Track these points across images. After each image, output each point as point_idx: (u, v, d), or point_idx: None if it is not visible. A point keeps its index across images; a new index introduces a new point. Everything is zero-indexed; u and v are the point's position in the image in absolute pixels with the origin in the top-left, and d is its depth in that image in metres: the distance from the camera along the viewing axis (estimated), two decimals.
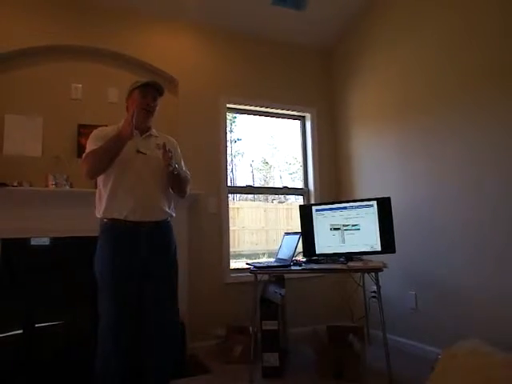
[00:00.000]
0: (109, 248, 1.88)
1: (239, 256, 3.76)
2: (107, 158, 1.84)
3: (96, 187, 2.01)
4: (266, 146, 4.10)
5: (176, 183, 2.04)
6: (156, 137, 2.09)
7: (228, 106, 3.60)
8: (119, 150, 1.84)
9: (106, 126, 2.09)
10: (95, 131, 2.00)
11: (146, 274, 1.91)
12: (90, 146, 1.91)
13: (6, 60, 2.88)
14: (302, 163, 3.99)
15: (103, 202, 1.91)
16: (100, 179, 1.95)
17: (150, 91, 2.01)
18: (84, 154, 1.92)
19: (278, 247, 3.13)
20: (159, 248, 1.96)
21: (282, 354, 2.66)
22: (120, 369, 1.84)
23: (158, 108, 2.07)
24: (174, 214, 2.09)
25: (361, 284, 3.19)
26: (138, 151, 1.95)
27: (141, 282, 1.90)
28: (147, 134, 2.05)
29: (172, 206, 2.08)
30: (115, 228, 1.89)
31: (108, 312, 1.84)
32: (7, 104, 2.87)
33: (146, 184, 1.94)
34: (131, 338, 1.88)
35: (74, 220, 2.69)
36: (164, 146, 1.89)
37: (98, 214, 1.94)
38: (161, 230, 1.98)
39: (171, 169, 1.92)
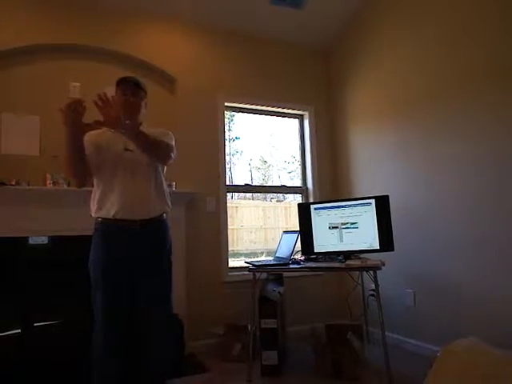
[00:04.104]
0: (100, 247, 1.88)
1: (238, 255, 3.77)
2: (73, 155, 1.81)
3: (93, 186, 2.01)
4: (264, 145, 4.10)
5: (140, 145, 1.85)
6: None
7: (226, 104, 3.59)
8: (73, 141, 1.79)
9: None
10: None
11: (139, 272, 1.90)
12: None
13: (3, 58, 2.87)
14: (300, 162, 3.99)
15: (95, 202, 1.92)
16: (94, 180, 1.96)
17: (129, 87, 1.97)
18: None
19: (277, 246, 3.13)
20: (152, 246, 1.95)
21: (280, 353, 2.66)
22: (113, 368, 1.84)
23: (143, 103, 2.03)
24: (169, 209, 2.05)
25: (359, 282, 3.20)
26: (126, 149, 1.93)
27: (134, 281, 1.90)
28: None
29: (166, 201, 2.04)
30: (107, 227, 1.89)
31: (100, 311, 1.84)
32: (4, 103, 2.86)
33: (136, 181, 1.92)
34: (124, 337, 1.87)
35: (72, 219, 2.68)
36: (98, 96, 1.76)
37: (92, 213, 1.94)
38: (153, 228, 1.96)
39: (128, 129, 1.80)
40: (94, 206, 1.93)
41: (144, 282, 1.91)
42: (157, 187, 2.00)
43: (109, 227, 1.88)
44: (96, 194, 1.93)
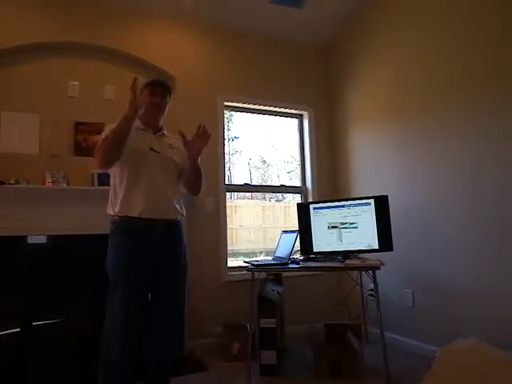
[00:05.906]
0: (123, 246, 1.87)
1: (237, 254, 3.76)
2: (117, 141, 1.79)
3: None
4: (263, 144, 4.10)
5: (195, 177, 2.06)
6: (168, 137, 2.11)
7: (225, 103, 3.59)
8: (126, 131, 1.81)
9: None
10: (109, 125, 1.96)
11: (158, 272, 1.91)
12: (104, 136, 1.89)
13: (2, 57, 2.86)
14: (299, 161, 3.99)
15: (119, 199, 1.89)
16: (116, 176, 1.93)
17: (158, 89, 2.02)
18: (97, 146, 1.88)
19: (276, 245, 3.13)
20: (173, 246, 1.97)
21: (279, 352, 2.66)
22: (126, 367, 1.82)
23: (168, 106, 2.10)
24: (184, 214, 2.09)
25: (358, 282, 3.20)
26: (152, 149, 1.95)
27: (153, 280, 1.90)
28: (160, 133, 2.06)
29: (182, 205, 2.08)
30: (130, 225, 1.87)
31: (119, 311, 1.82)
32: (4, 101, 2.85)
33: (161, 182, 1.94)
34: (139, 337, 1.87)
35: (72, 218, 2.68)
36: (203, 126, 2.06)
37: (113, 211, 1.91)
38: (174, 229, 1.99)
39: (198, 159, 2.00)
40: (116, 204, 1.90)
41: (164, 282, 1.93)
42: (177, 190, 2.04)
43: (132, 225, 1.87)
44: (119, 191, 1.90)
